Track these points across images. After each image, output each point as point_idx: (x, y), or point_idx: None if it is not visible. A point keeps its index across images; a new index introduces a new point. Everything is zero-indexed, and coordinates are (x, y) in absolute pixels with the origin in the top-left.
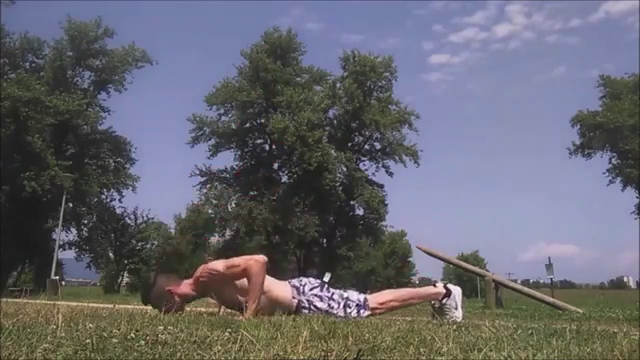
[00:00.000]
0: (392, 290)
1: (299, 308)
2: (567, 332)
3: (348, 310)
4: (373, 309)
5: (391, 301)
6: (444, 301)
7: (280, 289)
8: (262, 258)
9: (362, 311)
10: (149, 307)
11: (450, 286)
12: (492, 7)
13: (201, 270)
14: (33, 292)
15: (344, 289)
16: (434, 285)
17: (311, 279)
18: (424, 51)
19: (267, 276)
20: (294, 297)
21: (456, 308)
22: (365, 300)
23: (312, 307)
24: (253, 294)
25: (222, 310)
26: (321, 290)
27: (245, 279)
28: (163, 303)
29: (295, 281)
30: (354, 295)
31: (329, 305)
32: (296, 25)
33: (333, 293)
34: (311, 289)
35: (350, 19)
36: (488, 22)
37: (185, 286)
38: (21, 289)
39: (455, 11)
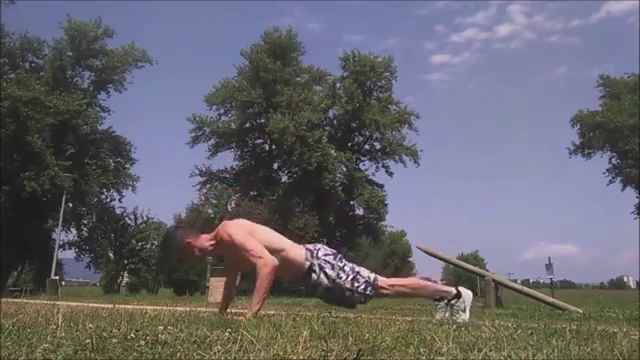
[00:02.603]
0: (404, 278)
1: (309, 271)
2: (567, 332)
3: (356, 284)
4: (382, 288)
5: (401, 286)
6: (453, 302)
7: (294, 251)
8: (273, 263)
9: (369, 289)
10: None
11: (462, 289)
12: (493, 7)
13: (222, 228)
14: (33, 292)
15: (356, 264)
16: (456, 289)
17: (325, 246)
18: (425, 51)
19: (284, 237)
20: (307, 259)
21: (464, 311)
22: (375, 279)
23: (321, 273)
24: (257, 296)
25: (222, 312)
26: (334, 259)
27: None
28: (182, 255)
29: (310, 245)
30: (365, 272)
31: (338, 275)
32: (297, 25)
33: (345, 264)
34: (325, 254)
35: (351, 19)
36: (489, 22)
37: (204, 240)
38: (21, 289)
39: (456, 11)
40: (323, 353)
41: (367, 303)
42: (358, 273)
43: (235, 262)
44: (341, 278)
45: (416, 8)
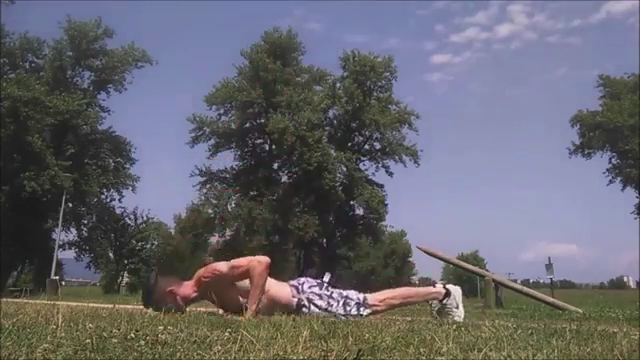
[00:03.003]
0: (392, 289)
1: (299, 307)
2: (567, 332)
3: (348, 308)
4: (373, 306)
5: (391, 299)
6: (445, 301)
7: (279, 288)
8: (265, 260)
9: (362, 309)
10: (149, 310)
11: (450, 286)
12: (494, 7)
13: (204, 270)
14: (33, 292)
15: (343, 289)
16: (433, 286)
17: (309, 278)
18: (426, 51)
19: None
20: (294, 296)
21: (457, 307)
22: (365, 299)
23: (312, 305)
24: (254, 294)
25: (222, 310)
26: (320, 289)
27: (247, 281)
28: (164, 305)
29: (293, 281)
30: (353, 294)
31: (328, 303)
32: (297, 25)
33: (332, 292)
34: (310, 287)
35: (351, 19)
36: (490, 22)
37: (187, 287)
38: (21, 289)
39: (457, 11)
40: (323, 353)
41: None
42: (347, 297)
43: (229, 297)
44: (332, 306)
45: (416, 8)
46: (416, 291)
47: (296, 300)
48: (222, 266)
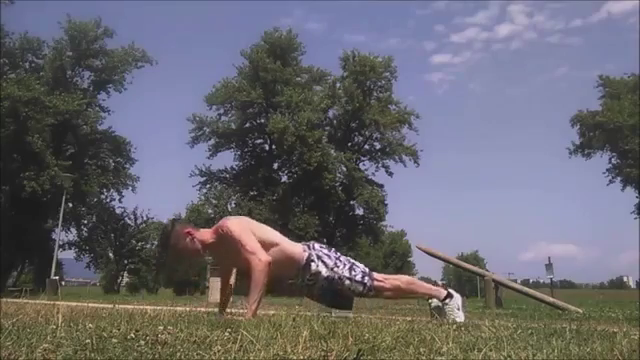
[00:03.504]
0: (398, 275)
1: (308, 261)
2: (567, 332)
3: (353, 273)
4: (377, 281)
5: (395, 280)
6: (447, 301)
7: (292, 245)
8: (267, 259)
9: (367, 278)
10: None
11: (451, 291)
12: (494, 7)
13: (222, 222)
14: (33, 292)
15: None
16: (436, 285)
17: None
18: (426, 51)
19: (278, 234)
20: (305, 251)
21: (459, 309)
22: (370, 271)
23: (320, 262)
24: (253, 295)
25: (222, 311)
26: (329, 250)
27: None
28: (181, 249)
29: (303, 243)
30: (360, 264)
31: (335, 264)
32: (297, 25)
33: (340, 256)
34: (320, 247)
35: (351, 19)
36: (490, 22)
37: (204, 233)
38: (21, 289)
39: (457, 11)
40: (323, 353)
41: (366, 295)
42: (354, 264)
43: (230, 258)
44: (339, 267)
45: (416, 8)
46: (420, 282)
47: (306, 255)
48: (236, 229)
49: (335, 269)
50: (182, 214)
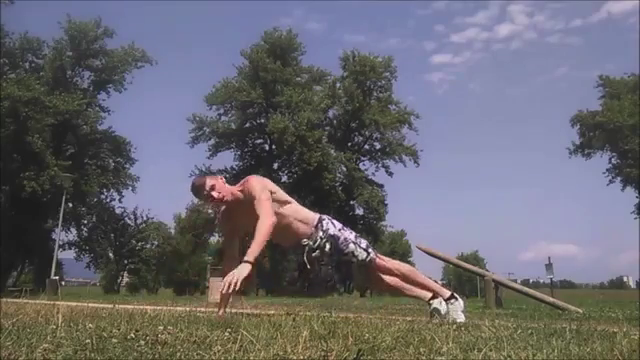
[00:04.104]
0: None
1: (320, 220)
2: (567, 332)
3: (359, 239)
4: (380, 258)
5: (399, 264)
6: (452, 301)
7: (304, 209)
8: (274, 218)
9: (370, 249)
10: (146, 309)
11: (457, 296)
12: (494, 7)
13: (246, 180)
14: (33, 292)
15: None
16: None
17: None
18: (426, 51)
19: (295, 202)
20: (317, 214)
21: (462, 312)
22: (374, 249)
23: (330, 222)
24: (256, 244)
25: (222, 311)
26: (337, 222)
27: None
28: (213, 190)
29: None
30: (364, 240)
31: (343, 227)
32: (297, 25)
33: (347, 229)
34: (329, 216)
35: (352, 19)
36: (490, 22)
37: (229, 188)
38: (21, 289)
39: (457, 11)
40: (323, 353)
41: (368, 268)
42: (359, 236)
43: (246, 217)
44: (346, 230)
45: (416, 8)
46: (425, 277)
47: (318, 216)
48: (257, 188)
49: (342, 231)
50: (182, 214)
